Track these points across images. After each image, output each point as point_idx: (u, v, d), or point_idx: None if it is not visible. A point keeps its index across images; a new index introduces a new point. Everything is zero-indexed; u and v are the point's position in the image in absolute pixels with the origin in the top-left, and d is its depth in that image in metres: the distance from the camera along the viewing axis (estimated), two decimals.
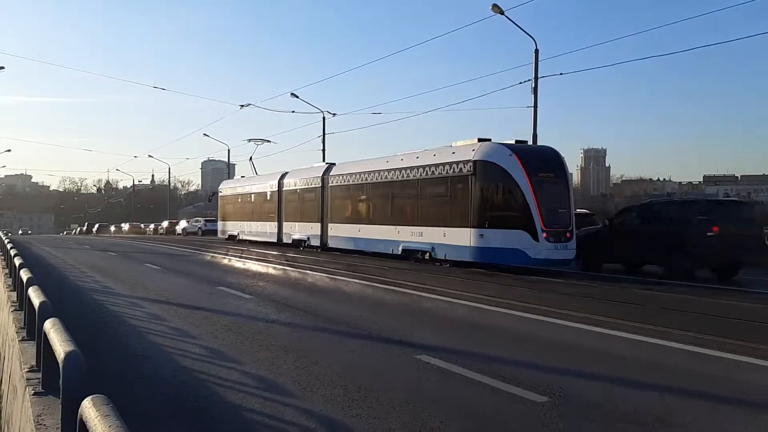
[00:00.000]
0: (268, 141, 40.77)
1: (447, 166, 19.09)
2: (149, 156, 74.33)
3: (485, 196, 17.84)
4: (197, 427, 4.76)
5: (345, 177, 24.96)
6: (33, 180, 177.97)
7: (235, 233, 35.07)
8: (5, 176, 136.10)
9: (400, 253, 20.56)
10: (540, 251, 16.91)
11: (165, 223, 60.02)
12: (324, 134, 39.87)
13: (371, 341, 7.61)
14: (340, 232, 24.59)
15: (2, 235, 20.72)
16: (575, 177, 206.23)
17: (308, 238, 26.83)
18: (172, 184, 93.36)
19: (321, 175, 26.63)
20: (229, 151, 56.38)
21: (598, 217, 22.40)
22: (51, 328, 3.67)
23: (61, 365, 3.01)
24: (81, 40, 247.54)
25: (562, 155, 18.29)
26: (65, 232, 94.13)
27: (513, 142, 18.82)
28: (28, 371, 4.65)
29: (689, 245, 15.33)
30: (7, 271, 12.46)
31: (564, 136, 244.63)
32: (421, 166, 20.37)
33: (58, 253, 27.07)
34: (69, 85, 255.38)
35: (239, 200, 35.62)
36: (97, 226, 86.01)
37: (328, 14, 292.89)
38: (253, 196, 33.85)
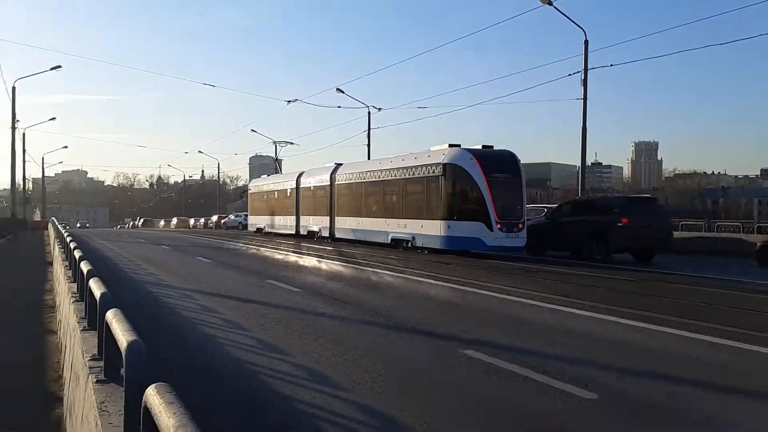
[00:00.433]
0: (292, 143, 48.33)
1: (424, 168, 22.66)
2: (199, 152, 76.51)
3: (452, 194, 21.32)
4: (249, 416, 4.89)
5: (348, 176, 28.65)
6: (89, 176, 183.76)
7: (262, 226, 38.98)
8: (62, 172, 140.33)
9: (389, 242, 24.15)
10: (494, 239, 20.33)
11: (214, 218, 61.60)
12: (369, 129, 40.04)
13: (417, 335, 7.67)
14: (345, 225, 28.29)
15: (62, 229, 21.44)
16: (625, 170, 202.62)
17: (320, 230, 30.70)
18: (221, 179, 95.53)
19: (330, 174, 30.25)
20: (276, 145, 57.10)
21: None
22: (113, 318, 3.82)
23: (124, 354, 3.14)
24: (133, 38, 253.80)
25: (518, 158, 21.71)
26: (119, 226, 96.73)
27: (480, 147, 21.90)
28: (90, 359, 4.83)
29: (605, 234, 19.36)
30: (67, 263, 12.89)
31: (614, 128, 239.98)
32: (404, 167, 24.00)
33: (114, 246, 27.89)
34: (122, 83, 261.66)
35: (264, 197, 39.72)
36: (141, 220, 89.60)
37: (377, 6, 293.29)
38: (276, 193, 37.88)
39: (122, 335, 3.33)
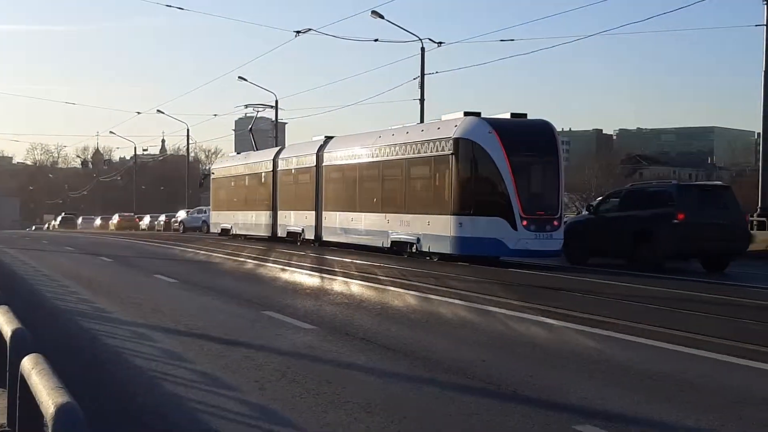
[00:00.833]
0: (271, 107, 50.14)
1: (431, 144, 25.20)
2: (159, 112, 76.57)
3: (464, 180, 23.77)
4: None
5: (339, 155, 31.61)
6: None
7: (228, 226, 43.08)
8: None
9: (390, 246, 27.10)
10: (518, 241, 22.72)
11: (181, 214, 62.62)
12: (423, 75, 40.13)
13: (501, 400, 7.71)
14: (334, 222, 31.47)
15: None
16: None
17: (303, 231, 34.11)
18: (192, 153, 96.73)
19: (315, 151, 33.30)
20: (277, 102, 57.42)
21: None
22: (33, 369, 3.91)
23: (50, 423, 3.24)
24: None
25: (555, 130, 24.28)
26: (33, 227, 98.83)
27: (508, 115, 24.40)
28: None
29: (655, 235, 21.92)
30: None
31: None
32: (408, 143, 26.63)
33: (30, 259, 28.86)
34: (43, 8, 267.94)
35: (232, 184, 43.60)
36: (59, 218, 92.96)
37: None
38: (246, 179, 41.55)
39: (48, 395, 3.41)
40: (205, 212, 55.85)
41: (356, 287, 17.51)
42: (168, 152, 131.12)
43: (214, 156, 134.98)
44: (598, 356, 9.86)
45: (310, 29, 43.70)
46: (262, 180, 39.28)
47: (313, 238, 33.02)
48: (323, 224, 32.38)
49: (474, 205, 23.58)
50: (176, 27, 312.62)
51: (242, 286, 18.65)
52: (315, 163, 33.19)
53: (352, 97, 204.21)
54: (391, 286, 17.46)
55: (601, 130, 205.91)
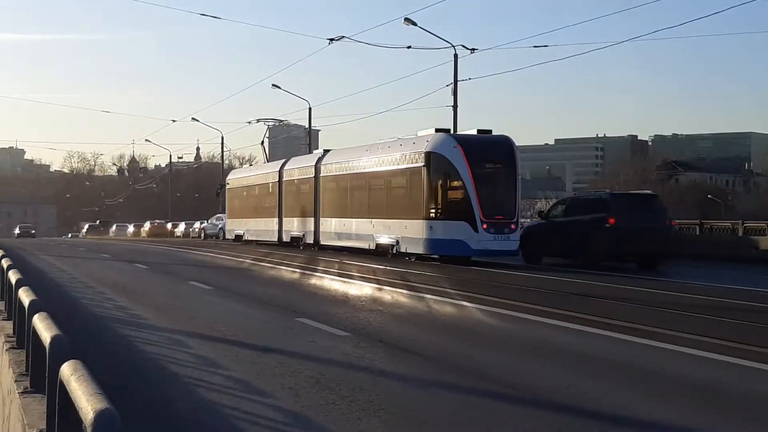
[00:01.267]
0: (282, 121, 55.65)
1: (407, 157, 28.79)
2: (193, 120, 76.93)
3: (434, 188, 27.09)
4: None
5: (334, 167, 35.46)
6: (27, 156, 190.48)
7: (241, 232, 47.52)
8: None
9: (375, 248, 30.42)
10: (480, 242, 25.97)
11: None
12: (456, 81, 40.06)
13: (545, 409, 7.69)
14: (329, 228, 35.13)
15: None
16: None
17: (304, 235, 37.80)
18: (227, 161, 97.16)
19: (314, 163, 37.38)
20: (310, 110, 57.54)
21: None
22: (72, 375, 3.94)
23: (89, 429, 3.28)
24: None
25: (514, 145, 27.79)
26: (70, 234, 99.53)
27: (474, 131, 28.30)
28: None
29: (592, 237, 25.24)
30: None
31: None
32: (389, 156, 30.34)
33: (66, 266, 29.10)
34: (77, 17, 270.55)
35: (244, 193, 48.10)
36: (86, 226, 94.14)
37: None
38: (257, 188, 45.94)
39: (87, 401, 3.44)
40: (222, 220, 58.15)
41: (384, 293, 17.79)
42: (202, 160, 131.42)
43: (248, 163, 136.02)
44: (619, 360, 9.87)
45: (343, 37, 43.69)
46: (270, 190, 43.05)
47: (312, 242, 36.53)
48: (321, 229, 35.90)
49: (442, 210, 26.77)
50: (211, 36, 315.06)
51: (273, 291, 18.81)
52: (314, 174, 36.87)
53: (385, 104, 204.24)
54: (428, 293, 17.51)
55: (636, 136, 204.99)
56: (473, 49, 39.81)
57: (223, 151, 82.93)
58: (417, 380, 8.99)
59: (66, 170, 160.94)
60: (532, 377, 9.10)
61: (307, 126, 61.02)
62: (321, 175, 36.31)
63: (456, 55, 39.75)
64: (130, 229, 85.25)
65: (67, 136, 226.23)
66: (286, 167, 41.56)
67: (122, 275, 24.50)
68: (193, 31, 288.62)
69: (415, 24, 38.48)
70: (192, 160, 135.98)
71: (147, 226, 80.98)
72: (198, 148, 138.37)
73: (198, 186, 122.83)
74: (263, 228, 43.61)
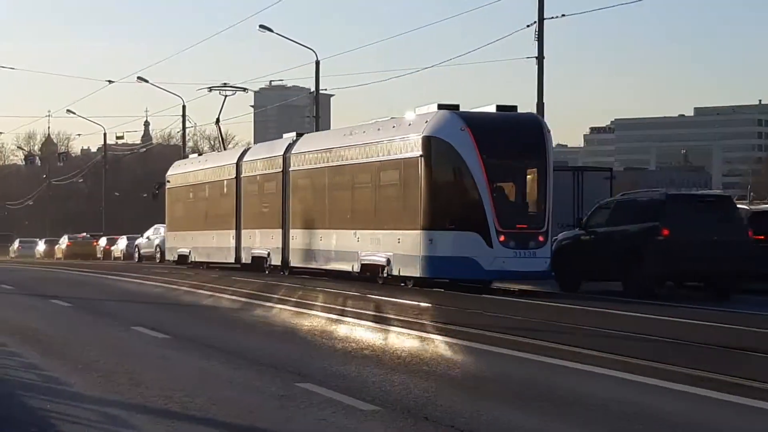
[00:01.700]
0: (244, 90, 57.50)
1: (400, 144, 30.39)
2: (140, 80, 75.60)
3: (434, 187, 28.71)
4: None
5: (308, 157, 37.30)
6: None
7: (186, 251, 49.76)
8: None
9: (359, 270, 32.71)
10: (494, 260, 27.45)
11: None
12: (541, 19, 39.63)
13: None
14: (302, 243, 37.13)
15: None
16: None
17: (269, 255, 39.99)
18: (191, 142, 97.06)
19: (282, 152, 39.36)
20: (318, 64, 56.82)
21: None
22: None
23: None
24: None
25: (545, 127, 29.16)
26: None
27: (493, 108, 29.60)
28: None
29: (639, 253, 27.17)
30: None
31: None
32: (377, 142, 31.87)
33: None
34: None
35: (190, 195, 50.61)
36: None
37: None
38: (207, 188, 48.00)
39: None
40: (160, 233, 59.97)
41: (421, 343, 18.08)
42: (154, 141, 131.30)
43: (224, 143, 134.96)
44: None
45: None
46: (225, 190, 45.33)
47: (279, 263, 38.92)
48: (290, 245, 38.07)
49: (445, 217, 28.37)
50: None
51: (256, 341, 18.81)
52: (281, 168, 39.02)
53: (424, 58, 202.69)
54: (457, 337, 18.23)
55: None
56: None
57: (185, 126, 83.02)
58: None
59: None
60: None
61: (312, 89, 60.16)
62: (291, 169, 38.17)
63: None
64: (40, 246, 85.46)
65: None
66: (246, 158, 43.53)
67: (34, 317, 24.43)
68: None
69: None
70: (138, 140, 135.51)
71: (64, 242, 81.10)
72: (147, 123, 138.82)
73: (148, 179, 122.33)
74: (216, 245, 45.66)
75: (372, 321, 21.59)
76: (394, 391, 12.85)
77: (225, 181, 44.78)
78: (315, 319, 22.14)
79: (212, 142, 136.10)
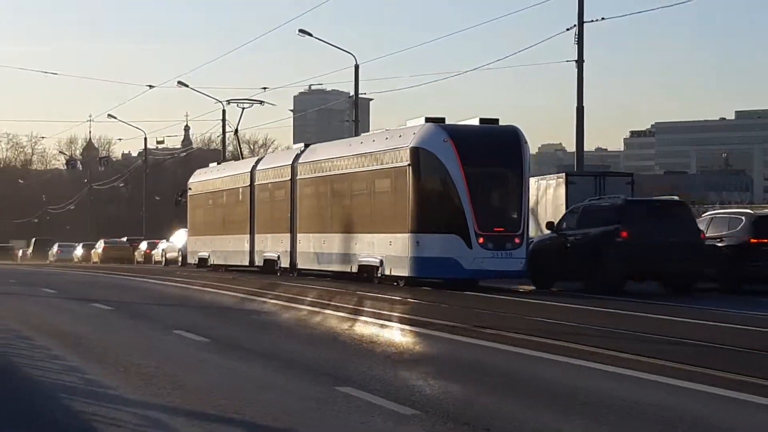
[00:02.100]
0: (260, 102, 61.75)
1: (391, 154, 33.39)
2: (180, 85, 76.36)
3: (421, 193, 31.83)
4: None
5: (312, 166, 40.47)
6: None
7: (206, 254, 53.34)
8: None
9: (357, 271, 35.53)
10: (474, 260, 30.49)
11: (181, 236, 64.59)
12: (581, 22, 39.61)
13: None
14: (308, 246, 40.05)
15: None
16: None
17: (278, 258, 43.02)
18: (231, 146, 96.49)
19: (291, 162, 42.52)
20: (357, 69, 56.86)
21: None
22: None
23: None
24: None
25: (522, 138, 32.17)
26: None
27: (476, 121, 32.85)
28: None
29: (602, 253, 30.06)
30: None
31: None
32: (372, 153, 35.22)
33: None
34: None
35: (210, 202, 54.51)
36: (32, 244, 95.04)
37: None
38: (224, 195, 51.72)
39: None
40: (183, 237, 62.62)
41: (455, 347, 18.16)
42: (194, 145, 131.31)
43: (263, 150, 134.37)
44: None
45: None
46: (240, 197, 48.81)
47: (288, 265, 41.86)
48: (298, 249, 40.99)
49: (430, 221, 31.37)
50: None
51: (293, 345, 18.90)
52: (290, 176, 42.10)
53: (466, 61, 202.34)
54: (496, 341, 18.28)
55: None
56: None
57: (225, 131, 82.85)
58: None
59: None
60: None
61: (351, 93, 60.45)
62: (298, 177, 41.37)
63: None
64: (78, 250, 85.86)
65: None
66: (259, 167, 46.98)
67: (75, 320, 24.55)
68: None
69: None
70: (179, 145, 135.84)
71: (100, 246, 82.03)
72: (187, 128, 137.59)
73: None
74: (232, 248, 49.18)
75: (395, 321, 22.42)
76: (433, 394, 12.86)
77: (240, 189, 48.27)
78: (347, 322, 22.40)
79: (251, 146, 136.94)
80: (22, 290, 37.60)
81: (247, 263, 46.73)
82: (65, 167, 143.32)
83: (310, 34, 56.67)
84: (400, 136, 33.44)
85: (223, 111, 79.37)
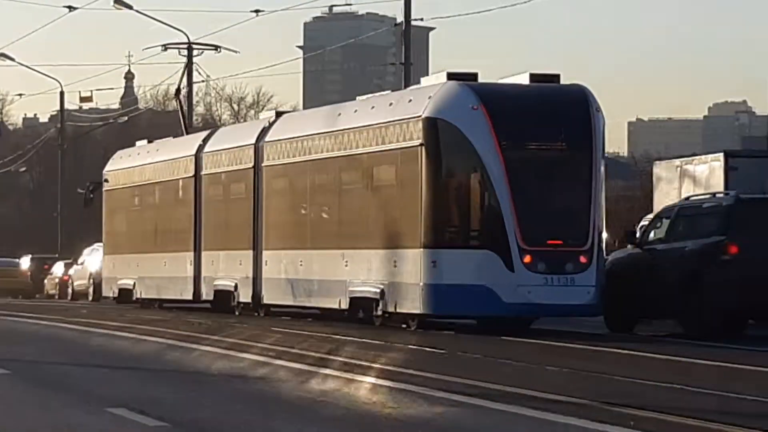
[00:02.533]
0: (215, 48, 51.09)
1: (397, 129, 25.72)
2: (119, 4, 54.50)
3: (438, 188, 24.63)
4: None
5: (286, 147, 31.35)
6: None
7: (130, 284, 41.19)
8: None
9: (348, 307, 27.62)
10: (517, 289, 23.08)
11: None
12: None
13: None
14: (278, 271, 31.06)
15: None
16: None
17: (236, 288, 33.22)
18: (200, 106, 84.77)
19: (254, 141, 32.92)
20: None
21: None
22: None
23: None
24: None
25: (593, 102, 24.36)
26: None
27: (525, 78, 25.14)
28: None
29: (699, 278, 23.47)
30: None
31: None
32: (370, 126, 27.12)
33: None
34: None
35: (136, 202, 41.95)
36: None
37: None
38: (158, 191, 39.89)
39: None
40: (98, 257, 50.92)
41: None
42: (141, 104, 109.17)
43: (253, 111, 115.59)
44: None
45: None
46: (180, 194, 37.96)
47: (250, 299, 32.57)
48: (264, 274, 31.90)
49: (452, 230, 24.63)
50: None
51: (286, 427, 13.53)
52: (252, 163, 32.62)
53: None
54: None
55: None
56: None
57: (191, 83, 59.98)
58: None
59: None
60: None
61: (399, 18, 46.24)
62: (264, 164, 32.05)
63: None
64: None
65: None
66: (208, 148, 36.21)
67: None
68: None
69: None
70: (116, 104, 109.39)
71: None
72: (130, 76, 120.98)
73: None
74: (168, 274, 38.35)
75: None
76: None
77: (180, 182, 37.62)
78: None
79: (234, 108, 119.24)
80: None
81: (189, 296, 36.59)
82: None
83: None
84: (409, 100, 26.00)
85: (189, 46, 58.35)
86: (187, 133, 43.38)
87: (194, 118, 69.55)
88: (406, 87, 39.80)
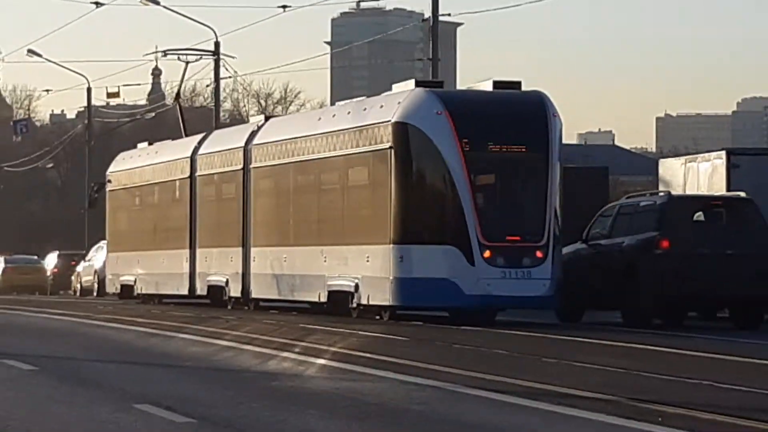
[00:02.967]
0: (212, 53, 51.88)
1: (368, 133, 27.67)
2: (143, 1, 58.88)
3: (405, 187, 26.40)
4: None
5: (272, 150, 33.58)
6: None
7: (131, 280, 43.45)
8: None
9: (327, 299, 29.73)
10: (478, 281, 24.80)
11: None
12: None
13: None
14: (265, 267, 33.31)
15: None
16: None
17: (227, 282, 35.43)
18: (227, 102, 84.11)
19: (243, 144, 35.13)
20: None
21: None
22: None
23: None
24: None
25: (550, 106, 25.98)
26: None
27: (489, 85, 26.86)
28: None
29: (635, 271, 25.85)
30: None
31: None
32: (345, 131, 29.10)
33: None
34: None
35: (137, 202, 44.37)
36: None
37: None
38: (156, 191, 42.15)
39: None
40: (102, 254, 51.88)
41: None
42: (168, 101, 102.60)
43: (280, 107, 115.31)
44: None
45: None
46: (176, 194, 40.02)
47: (239, 294, 34.69)
48: (252, 270, 33.93)
49: (418, 227, 26.44)
50: None
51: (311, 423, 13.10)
52: (242, 164, 34.80)
53: None
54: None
55: None
56: None
57: (217, 77, 59.44)
58: None
59: None
60: None
61: (426, 13, 45.89)
62: (252, 165, 34.38)
63: None
64: None
65: None
66: (202, 150, 38.50)
67: None
68: None
69: None
70: (143, 100, 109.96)
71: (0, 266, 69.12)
72: (157, 72, 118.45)
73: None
74: (166, 270, 40.43)
75: None
76: None
77: (177, 182, 39.71)
78: None
79: (263, 103, 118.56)
80: None
81: (186, 291, 38.83)
82: None
83: None
84: (381, 106, 27.92)
85: (216, 44, 57.69)
86: (185, 135, 45.47)
87: (222, 114, 68.63)
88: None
